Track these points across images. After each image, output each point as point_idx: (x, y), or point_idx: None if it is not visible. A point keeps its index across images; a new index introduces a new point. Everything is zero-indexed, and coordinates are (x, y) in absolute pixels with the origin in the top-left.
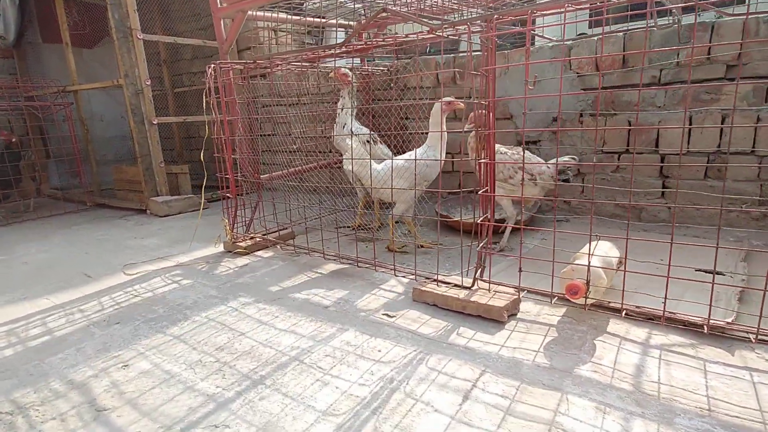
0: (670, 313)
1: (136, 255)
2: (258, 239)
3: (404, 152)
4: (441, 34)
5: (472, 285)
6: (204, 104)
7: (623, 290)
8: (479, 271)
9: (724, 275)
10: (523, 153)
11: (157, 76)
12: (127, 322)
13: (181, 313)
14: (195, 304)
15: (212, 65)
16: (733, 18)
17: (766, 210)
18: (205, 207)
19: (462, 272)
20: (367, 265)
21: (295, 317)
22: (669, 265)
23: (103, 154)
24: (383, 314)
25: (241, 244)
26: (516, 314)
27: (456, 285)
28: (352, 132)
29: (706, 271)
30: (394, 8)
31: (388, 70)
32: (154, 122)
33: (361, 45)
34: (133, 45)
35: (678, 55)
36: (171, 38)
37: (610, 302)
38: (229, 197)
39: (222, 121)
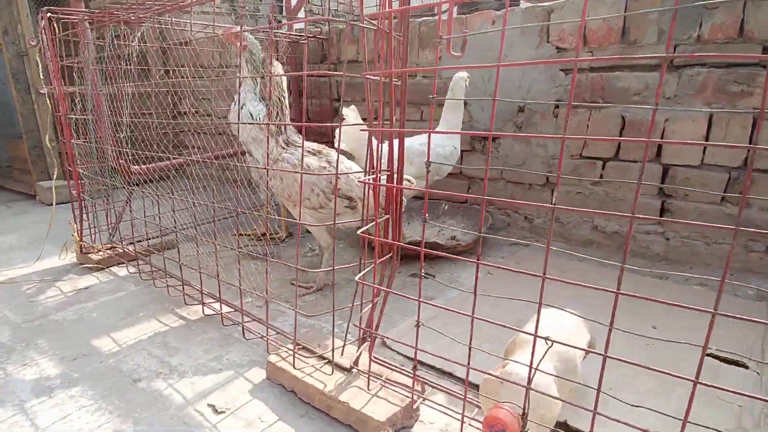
0: None
1: None
2: (123, 250)
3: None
4: None
5: (353, 365)
6: (40, 69)
7: (596, 404)
8: (362, 342)
9: (747, 368)
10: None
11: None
12: None
13: None
14: None
15: (47, 14)
16: None
17: None
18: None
19: (347, 329)
20: (232, 312)
21: (77, 401)
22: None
23: None
24: (209, 405)
25: (93, 256)
26: (411, 427)
27: (327, 361)
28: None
29: (720, 359)
30: None
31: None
32: (42, 91)
33: None
34: None
35: (700, 26)
36: None
37: (569, 424)
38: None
39: (59, 91)
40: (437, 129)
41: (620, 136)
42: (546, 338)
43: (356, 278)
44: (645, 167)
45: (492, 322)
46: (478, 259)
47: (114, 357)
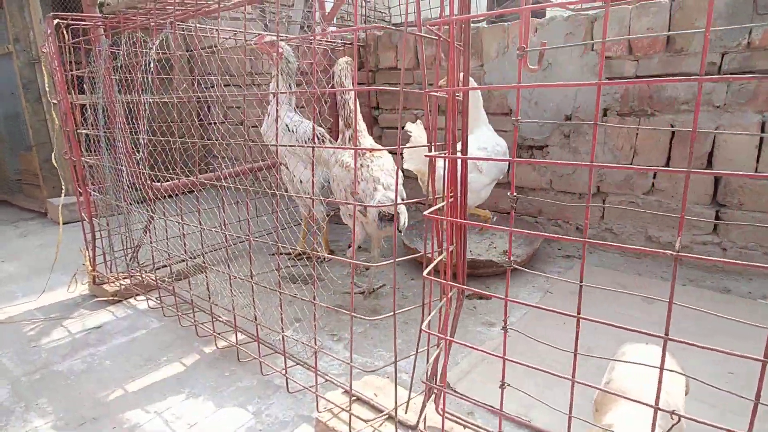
0: None
1: None
2: (142, 278)
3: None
4: None
5: (419, 423)
6: (45, 79)
7: None
8: (429, 394)
9: None
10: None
11: None
12: None
13: None
14: None
15: (54, 20)
16: None
17: None
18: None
19: (411, 380)
20: (270, 349)
21: None
22: None
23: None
24: None
25: (108, 287)
26: None
27: (387, 416)
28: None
29: None
30: None
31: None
32: (55, 101)
33: None
34: (27, 1)
35: (750, 33)
36: None
37: None
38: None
39: (64, 103)
40: (472, 137)
41: (670, 145)
42: (672, 412)
43: (422, 326)
44: (694, 176)
45: (575, 382)
46: (506, 295)
47: (129, 421)
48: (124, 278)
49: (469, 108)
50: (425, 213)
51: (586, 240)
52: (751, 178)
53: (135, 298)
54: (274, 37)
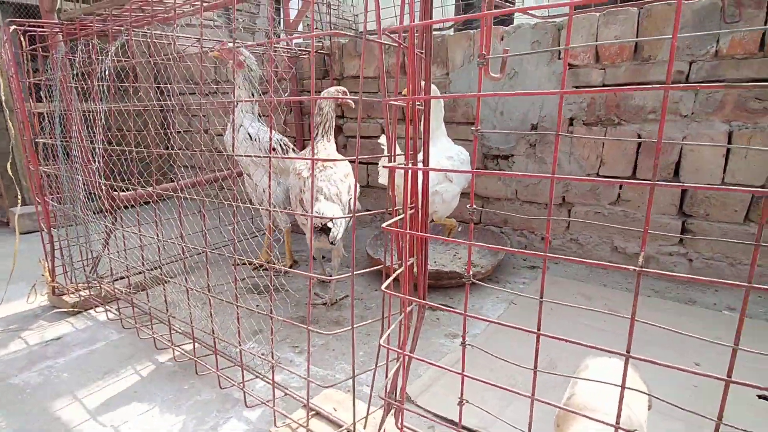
0: None
1: None
2: (101, 289)
3: None
4: None
5: None
6: (2, 87)
7: None
8: (388, 409)
9: None
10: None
11: None
12: None
13: None
14: None
15: (12, 26)
16: None
17: None
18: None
19: (370, 395)
20: (231, 367)
21: None
22: None
23: None
24: None
25: (68, 298)
26: None
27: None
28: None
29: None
30: None
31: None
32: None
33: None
34: None
35: (718, 41)
36: None
37: None
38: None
39: (21, 112)
40: (433, 145)
41: (636, 155)
42: None
43: (380, 341)
44: (663, 188)
45: (527, 398)
46: (465, 311)
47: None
48: (84, 289)
49: (430, 119)
50: (383, 225)
51: (547, 255)
52: (716, 189)
53: (95, 310)
54: (235, 44)
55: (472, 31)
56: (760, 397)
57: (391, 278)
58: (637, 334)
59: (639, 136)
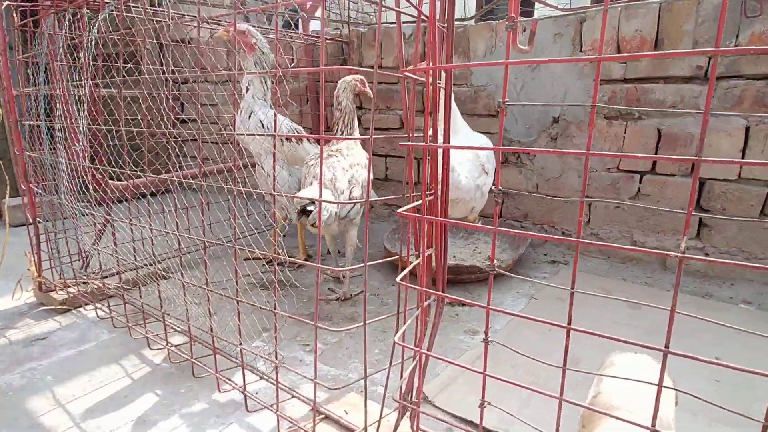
0: None
1: None
2: (91, 285)
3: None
4: None
5: None
6: None
7: None
8: (403, 411)
9: None
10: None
11: None
12: None
13: None
14: None
15: (6, 2)
16: None
17: None
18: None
19: (383, 397)
20: (231, 368)
21: None
22: None
23: None
24: None
25: (56, 295)
26: None
27: None
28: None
29: None
30: None
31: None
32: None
33: None
34: None
35: (737, 36)
36: None
37: None
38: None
39: (7, 92)
40: (455, 134)
41: (656, 149)
42: None
43: (395, 338)
44: (680, 181)
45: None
46: (488, 304)
47: None
48: (73, 285)
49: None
50: (399, 211)
51: (579, 240)
52: (734, 183)
53: (85, 308)
54: (247, 26)
55: (494, 22)
56: None
57: (407, 270)
58: (653, 328)
59: (659, 131)
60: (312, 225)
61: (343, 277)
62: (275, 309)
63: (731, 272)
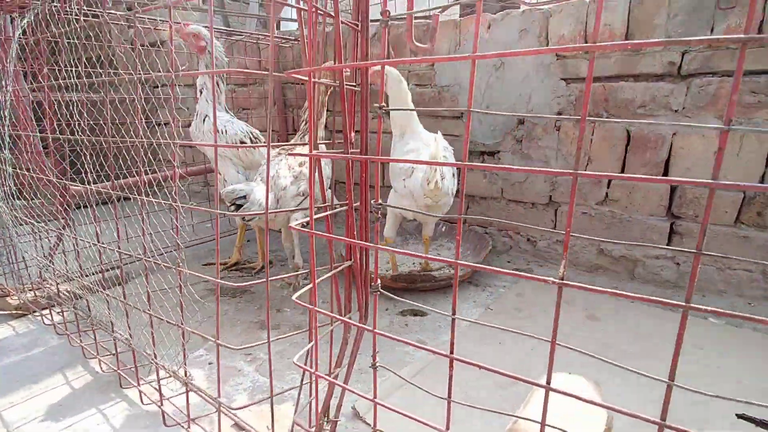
0: None
1: None
2: (47, 290)
3: None
4: None
5: None
6: None
7: None
8: None
9: None
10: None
11: None
12: None
13: None
14: None
15: None
16: None
17: None
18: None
19: (296, 411)
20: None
21: None
22: None
23: None
24: None
25: (11, 300)
26: None
27: None
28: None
29: (750, 421)
30: None
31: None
32: None
33: None
34: None
35: (712, 29)
36: None
37: None
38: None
39: None
40: (414, 139)
41: (625, 151)
42: None
43: (294, 360)
44: (651, 186)
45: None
46: (453, 313)
47: None
48: (29, 291)
49: (399, 117)
50: (290, 225)
51: (569, 233)
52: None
53: (41, 313)
54: (199, 28)
55: (457, 19)
56: (739, 416)
57: (303, 290)
58: (612, 347)
59: (628, 133)
60: (244, 219)
61: (304, 280)
62: (181, 324)
63: (704, 283)
